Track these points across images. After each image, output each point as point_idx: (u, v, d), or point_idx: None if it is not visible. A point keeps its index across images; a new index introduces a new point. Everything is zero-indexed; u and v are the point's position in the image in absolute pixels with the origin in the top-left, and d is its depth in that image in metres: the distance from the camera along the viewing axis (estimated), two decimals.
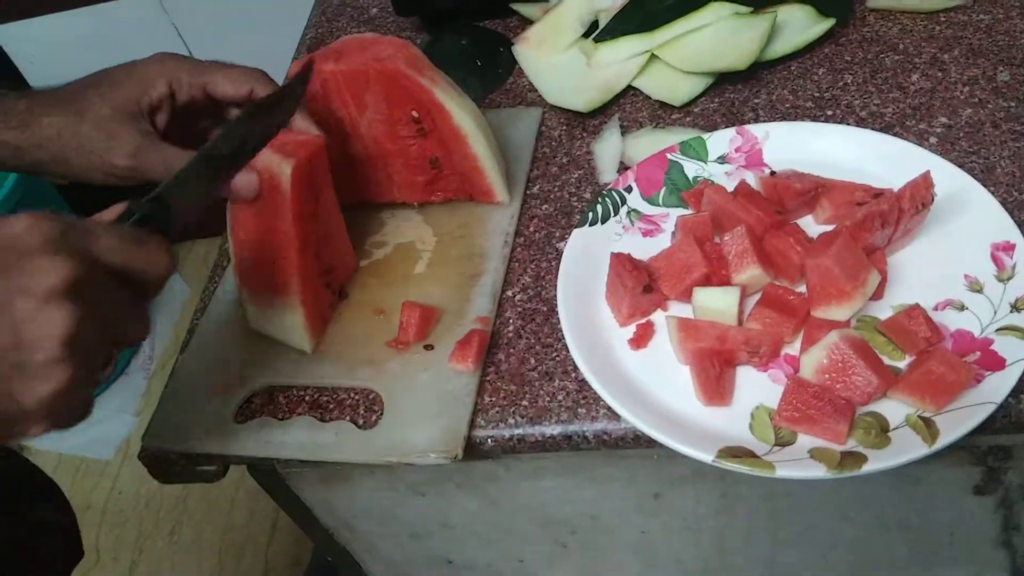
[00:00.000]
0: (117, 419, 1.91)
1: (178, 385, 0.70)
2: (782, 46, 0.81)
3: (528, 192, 0.78)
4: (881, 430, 0.56)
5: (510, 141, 0.82)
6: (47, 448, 1.91)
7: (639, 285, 0.64)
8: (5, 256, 0.41)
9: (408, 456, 0.61)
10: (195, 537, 1.68)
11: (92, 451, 1.88)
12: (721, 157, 0.74)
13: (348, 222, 0.78)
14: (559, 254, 0.71)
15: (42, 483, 0.77)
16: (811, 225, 0.68)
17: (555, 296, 0.67)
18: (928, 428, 0.55)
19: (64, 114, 0.60)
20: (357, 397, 0.66)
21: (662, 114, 0.82)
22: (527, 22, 0.92)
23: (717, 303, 0.62)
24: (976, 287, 0.62)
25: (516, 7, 0.94)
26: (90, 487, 1.82)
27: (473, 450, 0.63)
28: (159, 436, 0.67)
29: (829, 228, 0.67)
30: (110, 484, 1.83)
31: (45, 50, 1.85)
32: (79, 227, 0.44)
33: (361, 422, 0.65)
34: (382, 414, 0.64)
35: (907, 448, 0.54)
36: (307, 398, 0.67)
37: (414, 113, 0.70)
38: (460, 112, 0.70)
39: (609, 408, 0.61)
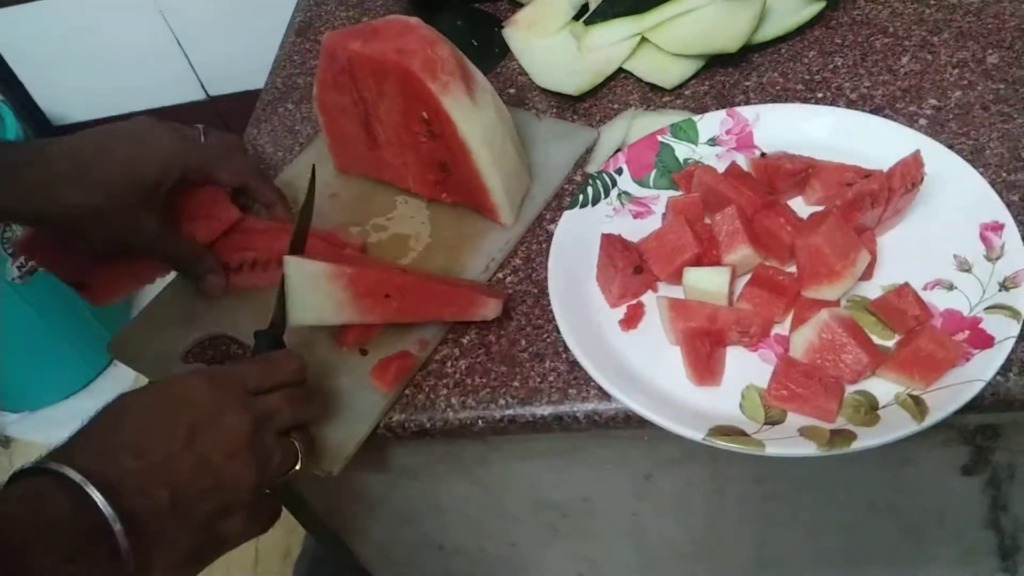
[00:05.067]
0: None
1: (155, 308, 0.74)
2: (772, 29, 0.81)
3: (542, 218, 0.74)
4: (871, 408, 0.56)
5: (548, 158, 0.77)
6: (37, 440, 1.90)
7: (630, 266, 0.64)
8: (199, 418, 0.49)
9: None
10: None
11: None
12: (712, 139, 0.74)
13: (364, 194, 0.79)
14: (549, 236, 0.71)
15: None
16: (801, 206, 0.68)
17: (546, 278, 0.67)
18: (917, 406, 0.55)
19: (89, 196, 0.63)
20: None
21: (653, 97, 0.81)
22: (517, 5, 0.92)
23: (707, 283, 0.62)
24: (965, 267, 0.62)
25: None
26: None
27: (464, 431, 0.63)
28: (120, 346, 0.71)
29: (819, 209, 0.67)
30: None
31: (32, 39, 1.84)
32: (233, 377, 0.53)
33: None
34: None
35: (897, 426, 0.54)
36: (246, 358, 0.67)
37: (424, 114, 0.69)
38: (467, 125, 0.67)
39: (600, 388, 0.61)
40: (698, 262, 0.64)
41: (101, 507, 0.42)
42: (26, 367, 1.79)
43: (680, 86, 0.81)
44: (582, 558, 0.85)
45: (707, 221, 0.66)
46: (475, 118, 0.68)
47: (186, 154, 0.68)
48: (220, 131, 0.75)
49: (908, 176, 0.62)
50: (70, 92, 1.93)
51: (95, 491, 0.42)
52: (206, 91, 1.89)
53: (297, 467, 0.55)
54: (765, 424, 0.57)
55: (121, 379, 1.94)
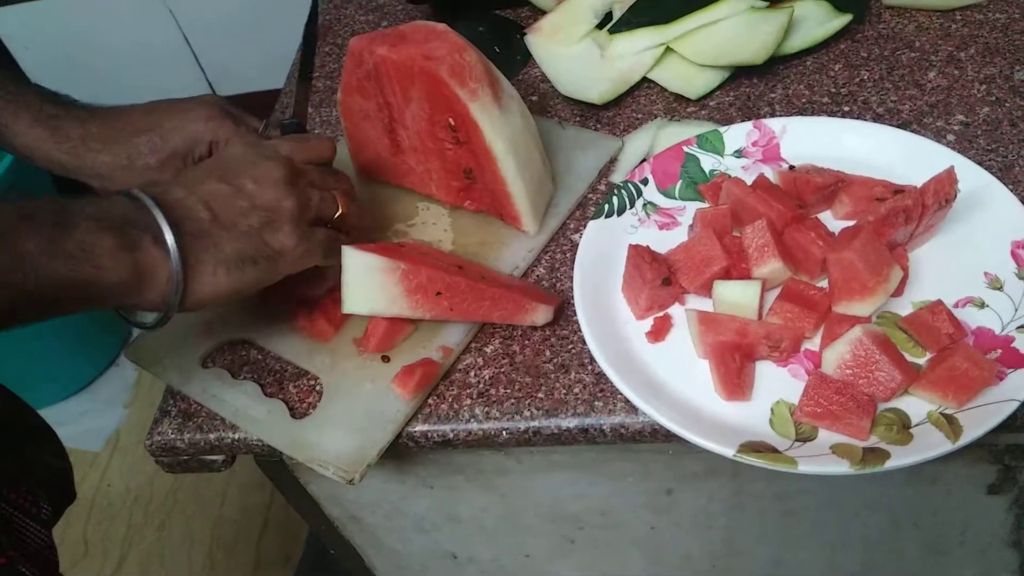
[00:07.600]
0: (107, 411, 1.89)
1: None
2: (798, 41, 0.81)
3: (566, 227, 0.73)
4: (903, 426, 0.56)
5: (572, 167, 0.77)
6: None
7: (658, 277, 0.63)
8: (237, 163, 0.60)
9: (311, 460, 0.61)
10: (185, 531, 1.67)
11: (82, 443, 1.85)
12: (738, 151, 0.73)
13: (385, 200, 0.78)
14: (573, 246, 0.71)
15: (39, 426, 0.80)
16: (830, 220, 0.68)
17: (570, 288, 0.66)
18: (951, 425, 0.54)
19: (115, 156, 0.68)
20: (303, 382, 0.66)
21: (677, 107, 0.81)
22: (540, 12, 0.91)
23: (738, 296, 0.61)
24: (996, 285, 0.61)
25: None
26: (78, 479, 1.77)
27: (488, 442, 0.62)
28: (139, 350, 0.71)
29: (848, 224, 0.66)
30: (99, 477, 1.80)
31: (40, 37, 1.83)
32: (271, 143, 0.64)
33: (295, 408, 0.65)
34: (315, 408, 0.64)
35: (930, 444, 0.53)
36: (266, 364, 0.68)
37: (451, 121, 0.68)
38: (493, 132, 0.67)
39: (627, 401, 0.60)
40: (727, 275, 0.63)
41: (149, 207, 0.54)
42: (27, 367, 1.78)
43: (705, 96, 0.81)
44: (596, 571, 0.84)
45: (735, 234, 0.66)
46: (502, 125, 0.67)
47: (217, 129, 0.71)
48: (294, 134, 0.76)
49: (941, 192, 0.61)
50: (78, 91, 1.92)
51: (147, 198, 0.54)
52: (214, 92, 1.89)
53: (340, 211, 0.64)
54: (796, 441, 0.56)
55: (123, 380, 1.93)
